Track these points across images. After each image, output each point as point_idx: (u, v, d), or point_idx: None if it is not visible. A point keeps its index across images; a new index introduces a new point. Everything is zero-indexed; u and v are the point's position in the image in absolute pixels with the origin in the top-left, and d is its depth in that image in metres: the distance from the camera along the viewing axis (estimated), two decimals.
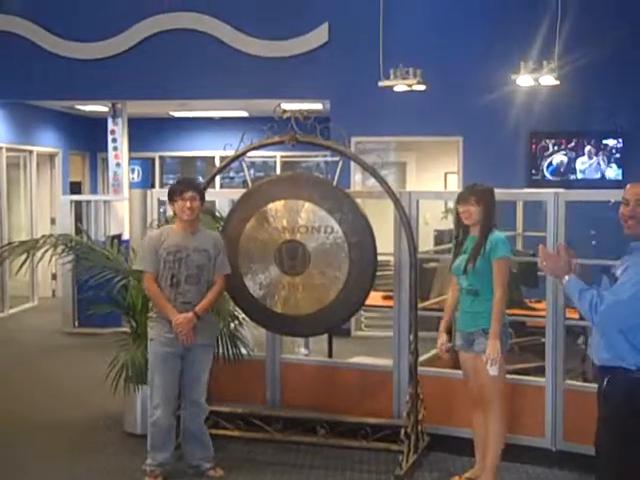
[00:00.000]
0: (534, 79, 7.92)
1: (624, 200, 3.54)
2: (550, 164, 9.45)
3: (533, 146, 9.40)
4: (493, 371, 4.48)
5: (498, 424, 4.62)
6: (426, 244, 8.42)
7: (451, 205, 10.28)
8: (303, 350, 7.50)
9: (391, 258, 5.64)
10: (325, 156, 12.61)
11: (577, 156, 9.41)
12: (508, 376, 5.17)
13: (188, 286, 4.87)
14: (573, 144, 9.40)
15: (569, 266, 3.50)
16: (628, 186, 3.61)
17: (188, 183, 5.08)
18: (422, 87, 8.26)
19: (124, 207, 10.33)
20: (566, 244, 3.79)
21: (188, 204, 4.88)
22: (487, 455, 4.67)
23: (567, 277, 3.47)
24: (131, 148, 11.25)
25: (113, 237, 8.66)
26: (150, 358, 4.96)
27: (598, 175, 9.35)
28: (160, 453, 4.93)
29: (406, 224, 5.18)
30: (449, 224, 9.95)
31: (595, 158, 9.37)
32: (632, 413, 3.34)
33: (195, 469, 5.03)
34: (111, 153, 10.88)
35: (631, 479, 3.42)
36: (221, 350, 5.56)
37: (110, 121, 10.89)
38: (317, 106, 10.42)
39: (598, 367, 3.50)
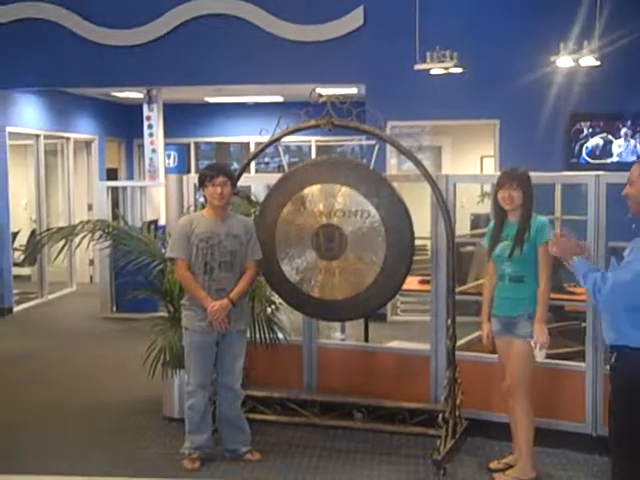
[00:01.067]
0: (574, 60, 7.80)
1: (629, 181, 3.60)
2: (586, 147, 9.32)
3: (570, 129, 9.28)
4: (541, 356, 4.43)
5: (526, 408, 4.59)
6: (463, 228, 8.37)
7: (487, 189, 10.24)
8: (339, 335, 7.49)
9: (427, 242, 5.61)
10: (360, 140, 12.56)
11: (614, 138, 9.27)
12: (548, 361, 5.14)
13: (222, 273, 4.87)
14: (610, 126, 9.26)
15: (579, 249, 3.59)
16: (634, 166, 3.63)
17: (218, 168, 5.06)
18: (458, 70, 8.18)
19: (160, 193, 10.37)
20: (567, 230, 3.85)
21: (219, 190, 4.87)
22: (519, 441, 4.66)
23: (575, 258, 3.55)
24: (166, 134, 11.28)
25: (149, 223, 8.72)
26: (185, 347, 4.98)
27: (634, 158, 9.19)
28: (198, 437, 4.96)
29: (443, 208, 5.13)
30: (486, 208, 9.88)
31: (632, 140, 9.22)
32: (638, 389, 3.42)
33: (232, 453, 5.05)
34: (147, 139, 10.92)
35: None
36: (258, 335, 5.58)
37: (145, 107, 10.93)
38: (352, 90, 10.37)
39: (609, 346, 3.58)
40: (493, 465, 4.83)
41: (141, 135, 11.14)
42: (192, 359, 4.93)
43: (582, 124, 9.28)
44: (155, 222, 9.57)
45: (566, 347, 5.95)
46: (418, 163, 5.20)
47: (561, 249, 3.65)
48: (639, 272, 3.37)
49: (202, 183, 4.93)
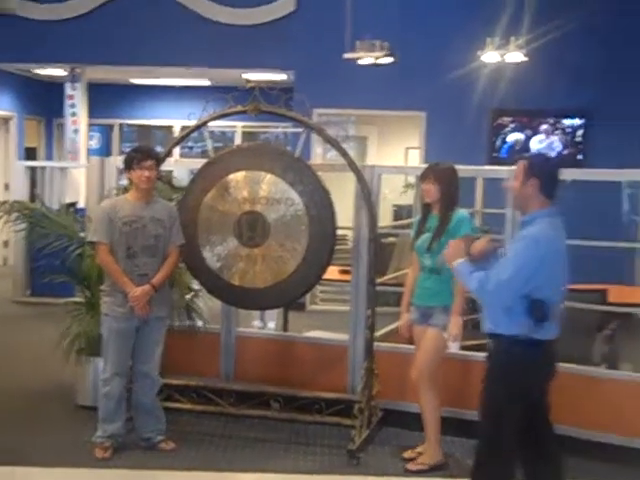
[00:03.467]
0: (500, 55, 7.90)
1: (514, 175, 3.75)
2: (505, 142, 9.46)
3: (493, 124, 9.41)
4: (454, 347, 4.50)
5: (430, 397, 4.67)
6: (385, 219, 8.42)
7: (411, 180, 10.33)
8: (258, 323, 7.46)
9: (348, 232, 5.62)
10: (286, 127, 12.51)
11: (533, 134, 9.43)
12: (460, 352, 5.20)
13: (145, 258, 4.79)
14: (531, 122, 9.42)
15: (460, 253, 3.77)
16: (520, 162, 3.75)
17: (147, 151, 4.96)
18: (388, 60, 8.19)
19: (81, 174, 10.15)
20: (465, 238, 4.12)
21: (147, 173, 4.78)
22: (426, 428, 4.74)
23: (459, 260, 3.73)
24: (90, 114, 11.04)
25: (69, 205, 8.54)
26: (104, 333, 4.87)
27: (553, 154, 9.37)
28: (111, 425, 4.87)
29: (367, 198, 5.13)
30: (408, 199, 9.98)
31: (551, 137, 9.40)
32: (512, 372, 3.65)
33: (146, 441, 4.97)
34: (69, 119, 10.67)
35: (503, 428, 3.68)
36: (176, 322, 5.49)
37: (68, 86, 10.66)
38: (281, 76, 10.31)
39: (487, 334, 3.81)
40: (407, 454, 4.88)
41: (62, 114, 10.89)
42: (110, 346, 4.83)
43: (505, 119, 9.42)
44: (74, 204, 9.36)
45: (477, 339, 6.04)
46: (344, 153, 5.18)
47: (450, 254, 3.82)
48: (513, 271, 3.53)
49: (129, 166, 4.82)
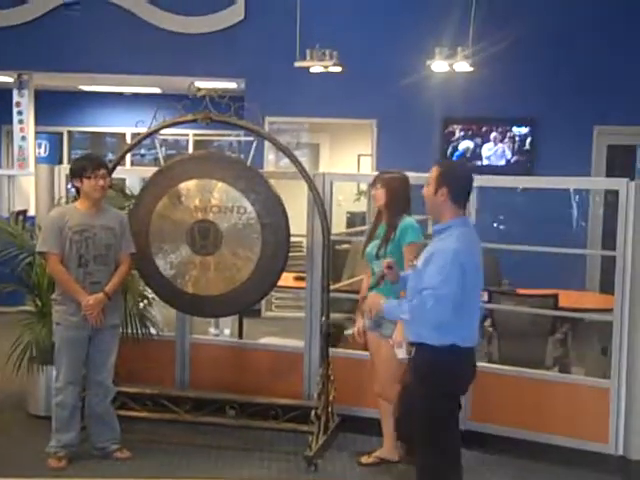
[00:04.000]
0: (449, 65, 8.01)
1: (427, 181, 3.76)
2: (456, 150, 9.59)
3: (443, 131, 9.54)
4: (401, 354, 4.53)
5: (387, 405, 4.70)
6: (338, 226, 8.46)
7: (364, 187, 10.39)
8: (213, 330, 7.45)
9: (303, 239, 5.64)
10: (238, 135, 12.50)
11: (483, 142, 9.58)
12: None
13: (97, 266, 4.76)
14: (480, 131, 9.57)
15: (378, 298, 3.85)
16: (434, 167, 3.78)
17: (99, 160, 4.94)
18: (338, 69, 8.27)
19: (30, 182, 9.99)
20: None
21: (101, 182, 4.77)
22: (384, 426, 4.82)
23: (382, 302, 3.78)
24: (38, 122, 10.89)
25: (18, 213, 8.42)
26: (57, 342, 4.83)
27: (503, 162, 9.54)
28: (65, 435, 4.83)
29: (320, 205, 5.17)
30: (361, 206, 10.04)
31: (501, 145, 9.55)
32: (436, 380, 3.66)
33: (101, 451, 4.94)
34: (16, 126, 10.51)
35: (436, 433, 3.69)
36: (130, 330, 5.46)
37: (15, 92, 10.51)
38: (231, 85, 10.29)
39: (410, 342, 3.82)
40: (364, 460, 4.91)
41: (10, 121, 10.71)
42: (63, 355, 4.79)
43: (454, 127, 9.55)
44: (24, 212, 9.23)
45: None
46: (295, 161, 5.22)
47: (370, 307, 3.87)
48: (450, 282, 3.52)
49: (80, 174, 4.77)
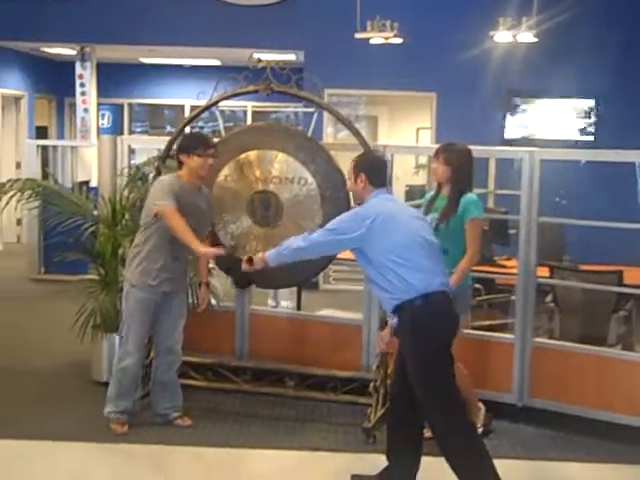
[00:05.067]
0: (512, 36, 7.86)
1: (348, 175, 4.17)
2: (520, 123, 9.44)
3: (507, 104, 9.38)
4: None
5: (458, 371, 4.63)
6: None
7: (422, 161, 10.31)
8: (271, 302, 7.49)
9: None
10: (296, 107, 12.50)
11: (546, 115, 9.41)
12: (477, 332, 5.23)
13: (181, 243, 4.74)
14: (543, 103, 9.39)
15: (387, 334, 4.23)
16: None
17: (210, 140, 4.92)
18: (399, 41, 8.17)
19: (92, 154, 10.16)
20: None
21: (210, 161, 4.80)
22: (469, 398, 4.68)
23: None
24: (99, 94, 11.03)
25: (81, 184, 8.55)
26: (129, 305, 4.84)
27: (566, 135, 9.35)
28: (124, 401, 4.90)
29: None
30: (421, 180, 9.98)
31: (566, 118, 9.37)
32: (418, 337, 3.85)
33: (163, 417, 5.01)
34: (79, 98, 10.67)
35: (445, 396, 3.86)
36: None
37: (78, 65, 10.66)
38: (290, 57, 10.28)
39: (391, 313, 3.98)
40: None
41: (73, 93, 10.88)
42: (134, 318, 4.82)
43: (516, 99, 9.39)
44: (87, 183, 9.38)
45: (494, 319, 6.07)
46: (356, 132, 5.18)
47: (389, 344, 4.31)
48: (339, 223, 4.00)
49: (190, 151, 4.76)
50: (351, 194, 4.21)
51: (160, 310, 4.88)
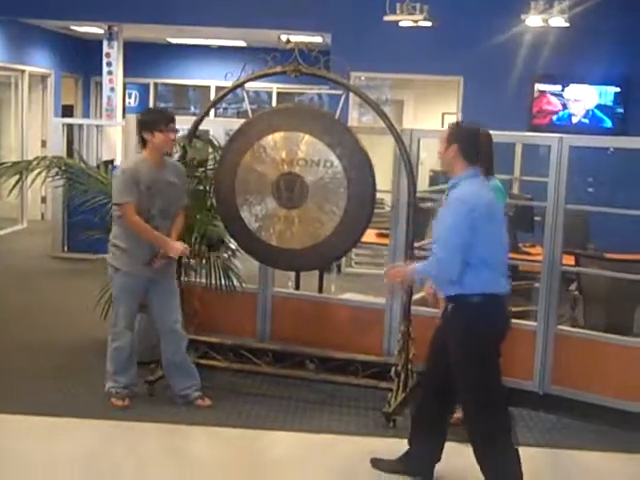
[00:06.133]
0: (543, 20, 7.76)
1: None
2: (547, 109, 9.34)
3: (534, 90, 9.29)
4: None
5: None
6: (422, 184, 8.36)
7: None
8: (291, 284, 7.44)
9: (385, 196, 5.57)
10: (320, 89, 12.44)
11: (574, 101, 9.30)
12: None
13: (161, 220, 4.83)
14: (573, 89, 9.29)
15: (404, 267, 4.17)
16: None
17: (171, 114, 4.94)
18: (427, 24, 8.09)
19: (117, 133, 10.19)
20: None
21: (172, 136, 4.82)
22: None
23: (411, 270, 4.01)
24: (126, 73, 11.05)
25: (105, 163, 8.58)
26: (116, 288, 4.92)
27: (594, 121, 9.25)
28: (123, 376, 4.97)
29: (407, 162, 5.10)
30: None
31: (593, 105, 9.27)
32: (472, 333, 3.81)
33: (183, 398, 5.03)
34: (105, 77, 10.69)
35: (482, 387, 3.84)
36: (213, 281, 5.52)
37: (105, 44, 10.68)
38: (316, 39, 10.22)
39: (446, 297, 3.97)
40: None
41: (99, 72, 10.90)
42: (122, 301, 4.90)
43: (545, 85, 9.29)
44: (111, 162, 9.40)
45: (518, 306, 6.02)
46: (384, 116, 5.15)
47: (398, 276, 4.16)
48: (455, 231, 3.75)
49: (152, 127, 4.77)
50: (439, 159, 4.08)
51: (150, 292, 4.93)
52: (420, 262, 4.02)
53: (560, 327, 5.17)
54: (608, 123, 9.23)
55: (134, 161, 4.94)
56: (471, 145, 3.95)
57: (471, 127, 4.08)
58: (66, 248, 9.56)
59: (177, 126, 4.90)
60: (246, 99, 5.49)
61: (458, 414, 4.83)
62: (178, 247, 4.80)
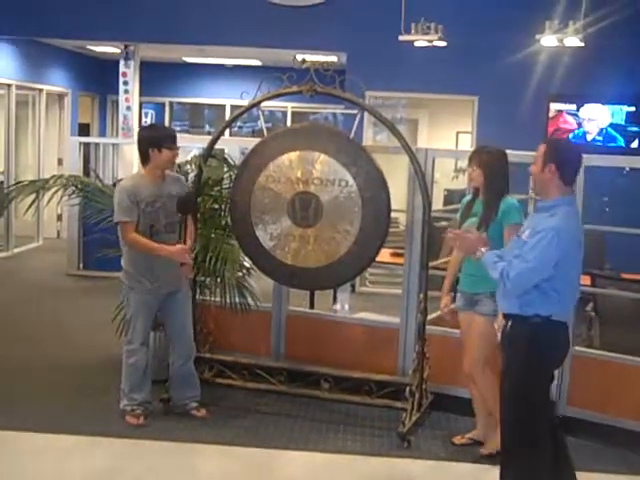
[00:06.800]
0: (558, 40, 7.77)
1: (535, 158, 3.71)
2: (564, 127, 9.33)
3: (549, 109, 9.29)
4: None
5: (489, 384, 4.51)
6: (436, 203, 8.36)
7: (462, 165, 10.22)
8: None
9: (399, 215, 5.57)
10: (335, 109, 12.49)
11: (589, 121, 9.29)
12: None
13: (167, 234, 4.86)
14: (588, 108, 9.28)
15: (481, 242, 3.78)
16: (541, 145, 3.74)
17: (174, 132, 5.01)
18: (442, 43, 8.13)
19: (133, 151, 10.22)
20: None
21: (177, 153, 4.89)
22: (493, 413, 4.57)
23: (482, 250, 3.73)
24: (142, 92, 11.12)
25: (121, 181, 8.61)
26: (132, 307, 4.93)
27: (610, 141, 9.23)
28: (139, 393, 4.99)
29: (421, 181, 5.11)
30: (459, 184, 9.90)
31: (607, 124, 9.25)
32: (532, 355, 3.62)
33: (180, 408, 5.10)
34: (122, 96, 10.75)
35: (531, 417, 3.66)
36: (228, 299, 5.53)
37: (122, 63, 10.74)
38: (331, 58, 10.26)
39: (503, 314, 3.78)
40: (457, 440, 4.85)
41: (115, 91, 10.96)
42: (138, 318, 4.92)
43: (560, 105, 9.29)
44: None
45: None
46: (399, 135, 5.16)
47: (465, 245, 3.83)
48: (540, 262, 3.53)
49: (159, 144, 4.80)
50: (531, 178, 3.81)
51: (165, 309, 4.98)
52: (496, 256, 3.73)
53: (577, 348, 5.13)
54: (621, 141, 9.20)
55: (132, 178, 5.00)
56: (571, 166, 3.67)
57: (572, 144, 3.84)
58: (81, 266, 9.60)
59: (193, 145, 4.96)
60: (262, 118, 5.51)
61: (470, 434, 4.83)
62: (177, 250, 4.79)
